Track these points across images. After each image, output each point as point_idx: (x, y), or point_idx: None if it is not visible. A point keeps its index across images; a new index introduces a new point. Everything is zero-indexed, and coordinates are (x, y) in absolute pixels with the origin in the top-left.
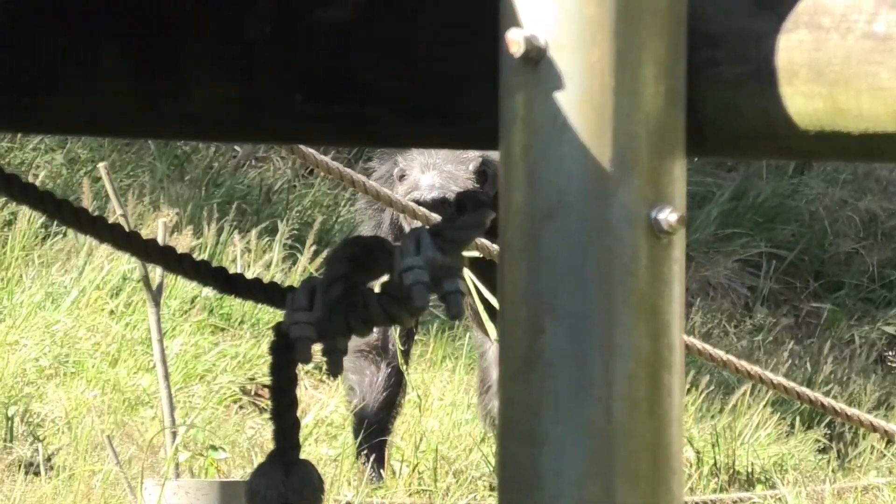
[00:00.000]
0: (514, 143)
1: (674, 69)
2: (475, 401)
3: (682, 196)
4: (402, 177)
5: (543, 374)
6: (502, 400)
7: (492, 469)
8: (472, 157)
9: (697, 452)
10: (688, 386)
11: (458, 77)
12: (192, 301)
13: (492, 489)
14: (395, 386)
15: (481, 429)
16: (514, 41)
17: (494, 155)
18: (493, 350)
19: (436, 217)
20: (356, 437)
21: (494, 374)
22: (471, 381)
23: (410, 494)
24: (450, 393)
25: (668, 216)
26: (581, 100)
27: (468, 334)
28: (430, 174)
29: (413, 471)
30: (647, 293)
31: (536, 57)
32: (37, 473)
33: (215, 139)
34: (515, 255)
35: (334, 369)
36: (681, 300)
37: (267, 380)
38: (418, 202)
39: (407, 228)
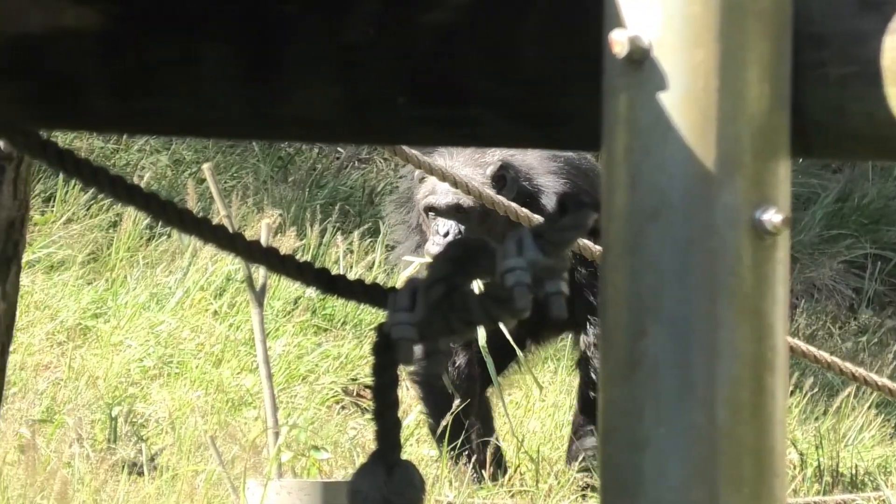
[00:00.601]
0: (617, 144)
1: (778, 70)
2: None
3: (786, 197)
4: (422, 179)
5: (645, 377)
6: (604, 403)
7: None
8: (491, 160)
9: (801, 455)
10: (791, 388)
11: (561, 78)
12: (295, 302)
13: (594, 491)
14: (470, 381)
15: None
16: (618, 42)
17: (514, 160)
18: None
19: (540, 219)
20: (436, 439)
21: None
22: (573, 383)
23: (512, 495)
24: (552, 394)
25: (773, 217)
26: (685, 100)
27: (570, 336)
28: (447, 180)
29: (514, 472)
30: (750, 295)
31: (640, 57)
32: (140, 473)
33: (318, 141)
34: (617, 257)
35: (435, 370)
36: (785, 302)
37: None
38: (432, 208)
39: (428, 232)
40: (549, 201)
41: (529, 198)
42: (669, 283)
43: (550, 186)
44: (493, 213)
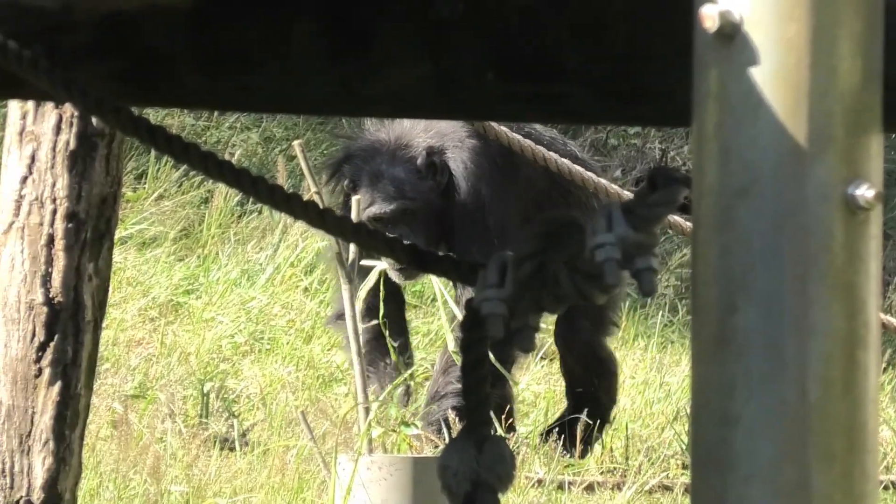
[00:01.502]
0: (708, 119)
1: (871, 46)
2: (667, 379)
3: (878, 172)
4: (353, 188)
5: (736, 353)
6: (694, 380)
7: (684, 447)
8: (417, 152)
9: (894, 431)
10: (884, 365)
11: (650, 54)
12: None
13: (684, 468)
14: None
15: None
16: (709, 16)
17: (436, 140)
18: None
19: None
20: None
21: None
22: (663, 360)
23: (602, 473)
24: (641, 371)
25: (865, 192)
26: (776, 76)
27: (660, 313)
28: (379, 184)
29: (605, 449)
30: (842, 271)
31: (731, 32)
32: (232, 449)
33: (408, 116)
34: (708, 233)
35: (526, 346)
36: (877, 278)
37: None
38: (379, 219)
39: None
40: (457, 167)
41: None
42: (760, 260)
43: (461, 159)
44: (435, 208)
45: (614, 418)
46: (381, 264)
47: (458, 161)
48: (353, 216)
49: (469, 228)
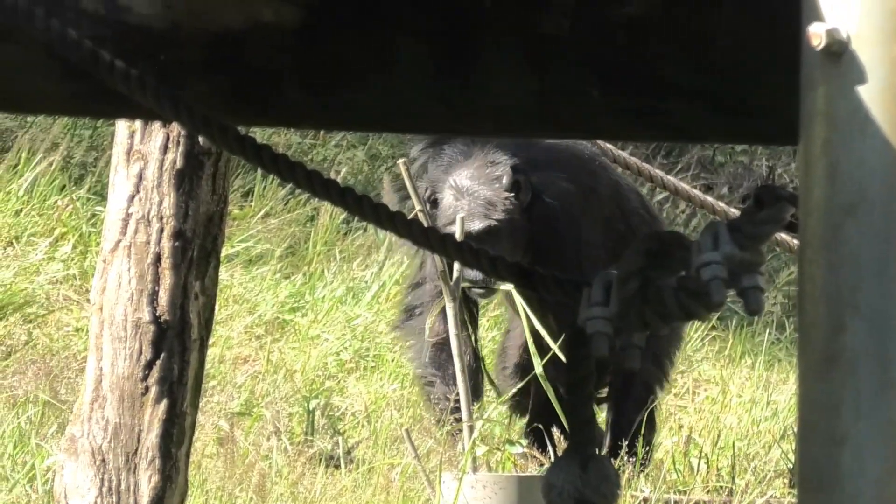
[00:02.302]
0: (815, 137)
1: None
2: (774, 397)
3: None
4: (433, 201)
5: (844, 372)
6: (801, 398)
7: (791, 466)
8: (501, 171)
9: None
10: None
11: (757, 70)
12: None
13: (791, 487)
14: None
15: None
16: (816, 34)
17: (521, 158)
18: (517, 330)
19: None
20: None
21: (511, 356)
22: (770, 378)
23: (708, 491)
24: (749, 389)
25: None
26: (884, 94)
27: (767, 330)
28: (464, 201)
29: (711, 468)
30: None
31: (838, 50)
32: (337, 466)
33: (512, 134)
34: (815, 251)
35: (632, 364)
36: None
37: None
38: (467, 236)
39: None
40: (551, 195)
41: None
42: (868, 278)
43: (553, 181)
44: (517, 227)
45: (719, 435)
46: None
47: (543, 181)
48: (458, 234)
49: (550, 249)
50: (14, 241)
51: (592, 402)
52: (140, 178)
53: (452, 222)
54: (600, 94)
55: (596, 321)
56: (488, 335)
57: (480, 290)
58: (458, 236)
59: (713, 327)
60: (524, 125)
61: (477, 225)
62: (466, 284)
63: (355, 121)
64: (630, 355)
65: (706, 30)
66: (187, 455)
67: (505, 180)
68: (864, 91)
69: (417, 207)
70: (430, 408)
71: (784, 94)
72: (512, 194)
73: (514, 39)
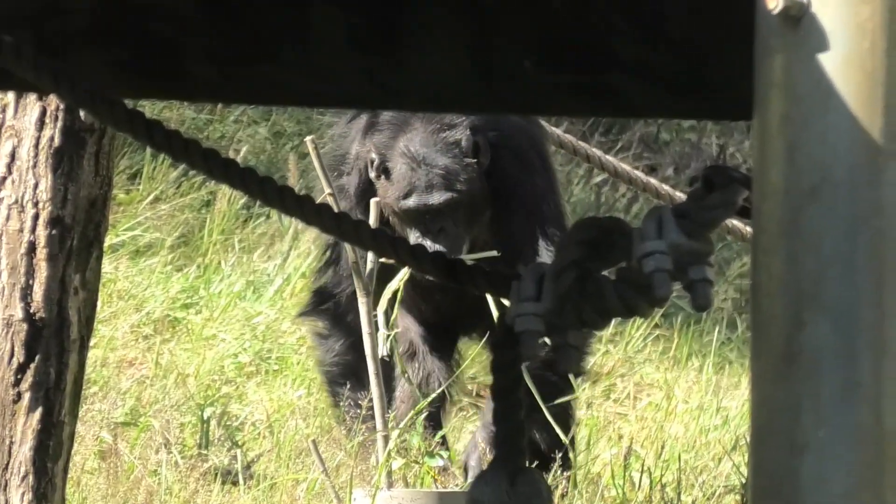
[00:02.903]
0: (772, 112)
1: None
2: (725, 403)
3: None
4: (384, 170)
5: (804, 373)
6: (756, 403)
7: (744, 481)
8: (460, 134)
9: None
10: None
11: (709, 41)
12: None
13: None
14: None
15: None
16: None
17: (479, 118)
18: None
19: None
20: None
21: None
22: (720, 382)
23: None
24: (696, 395)
25: None
26: (848, 63)
27: (717, 329)
28: (421, 171)
29: (655, 483)
30: None
31: (797, 14)
32: (235, 483)
33: (441, 109)
34: (772, 239)
35: (566, 366)
36: None
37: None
38: (421, 210)
39: (404, 233)
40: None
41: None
42: (831, 268)
43: (507, 137)
44: (478, 192)
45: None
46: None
47: (504, 140)
48: (372, 221)
49: (516, 214)
50: None
51: (521, 408)
52: (13, 157)
53: (407, 195)
54: (535, 67)
55: (526, 318)
56: None
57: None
58: (372, 222)
59: (657, 325)
60: (454, 100)
61: (437, 198)
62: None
63: (266, 95)
64: (565, 356)
65: None
66: (65, 470)
67: (464, 144)
68: (826, 60)
69: (327, 191)
70: (338, 414)
71: (738, 64)
72: (474, 160)
73: (441, 9)
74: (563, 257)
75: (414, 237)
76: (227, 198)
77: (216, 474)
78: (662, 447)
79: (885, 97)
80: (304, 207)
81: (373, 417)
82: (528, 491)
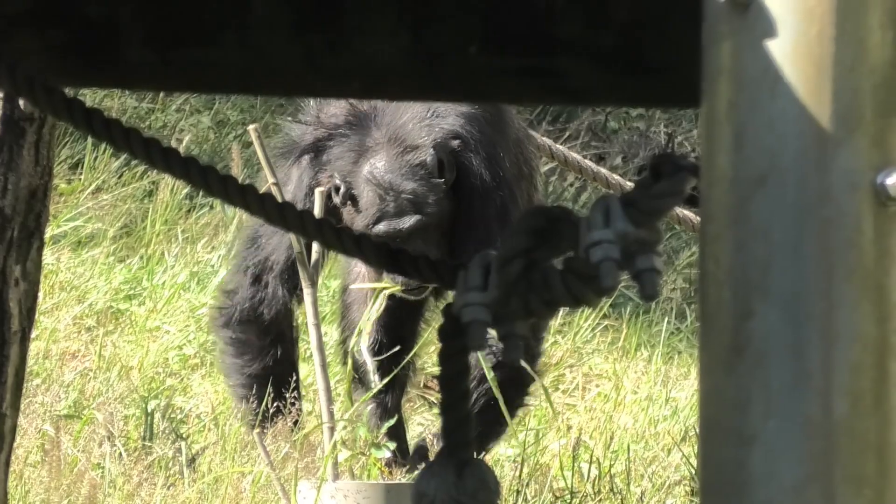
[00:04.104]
0: (719, 98)
1: None
2: (674, 394)
3: None
4: (351, 198)
5: (752, 363)
6: (704, 394)
7: (693, 472)
8: (425, 155)
9: None
10: None
11: (656, 24)
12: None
13: (693, 495)
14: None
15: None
16: None
17: (440, 134)
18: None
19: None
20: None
21: (353, 312)
22: (669, 372)
23: (600, 500)
24: (645, 385)
25: None
26: (797, 49)
27: (666, 319)
28: (390, 198)
29: (603, 473)
30: (872, 270)
31: (745, 0)
32: (179, 476)
33: (381, 97)
34: (720, 227)
35: (512, 356)
36: None
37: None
38: (396, 235)
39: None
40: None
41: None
42: (780, 257)
43: (473, 153)
44: (445, 210)
45: (612, 438)
46: (386, 286)
47: (470, 156)
48: (317, 211)
49: (476, 229)
50: None
51: (469, 399)
52: None
53: (377, 222)
54: (479, 52)
55: (472, 308)
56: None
57: (408, 293)
58: (316, 212)
59: (605, 315)
60: (397, 87)
61: (407, 222)
62: (397, 287)
63: (205, 81)
64: (511, 346)
65: None
66: (7, 464)
67: (429, 163)
68: (774, 46)
69: (271, 180)
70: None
71: (685, 50)
72: (441, 180)
73: None
74: (509, 247)
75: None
76: (170, 188)
77: (160, 467)
78: (611, 438)
79: (833, 84)
80: (247, 197)
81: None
82: (476, 483)
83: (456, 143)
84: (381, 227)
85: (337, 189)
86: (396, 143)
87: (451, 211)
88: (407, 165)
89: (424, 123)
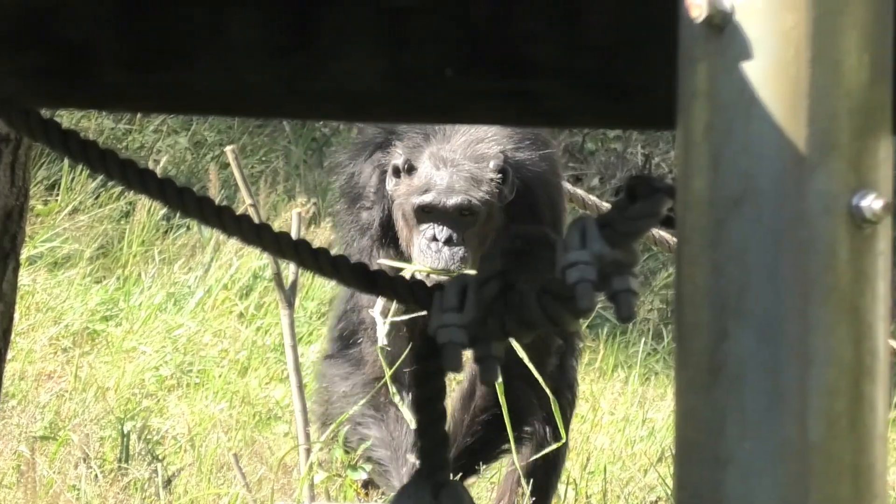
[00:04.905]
0: (695, 121)
1: (879, 37)
2: (651, 415)
3: (888, 181)
4: (408, 168)
5: (728, 385)
6: (680, 415)
7: (669, 493)
8: (492, 153)
9: None
10: (894, 399)
11: (632, 47)
12: (330, 302)
13: None
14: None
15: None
16: (696, 4)
17: (510, 146)
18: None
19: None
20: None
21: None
22: (646, 393)
23: None
24: (622, 406)
25: (873, 203)
26: (772, 72)
27: (643, 340)
28: (445, 171)
29: (580, 495)
30: (847, 292)
31: (721, 23)
32: (156, 497)
33: (357, 119)
34: (696, 249)
35: (489, 378)
36: (886, 299)
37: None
38: (432, 209)
39: (411, 235)
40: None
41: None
42: (756, 279)
43: (536, 178)
44: (492, 222)
45: (588, 458)
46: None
47: (533, 179)
48: (294, 233)
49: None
50: None
51: (445, 420)
52: None
53: (426, 191)
54: (458, 74)
55: (448, 329)
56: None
57: (442, 270)
58: (294, 234)
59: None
60: (374, 110)
61: (453, 199)
62: (424, 270)
63: (182, 103)
64: (488, 368)
65: (575, 3)
66: None
67: (493, 163)
68: (749, 68)
69: (248, 201)
70: (355, 449)
71: (662, 72)
72: (499, 176)
73: (360, 12)
74: (487, 268)
75: (421, 240)
76: (147, 209)
77: (136, 489)
78: (588, 459)
79: (810, 106)
80: (224, 218)
81: (414, 448)
82: None
83: (516, 179)
84: (427, 197)
85: (399, 163)
86: (468, 142)
87: (496, 227)
88: (473, 155)
89: (499, 141)
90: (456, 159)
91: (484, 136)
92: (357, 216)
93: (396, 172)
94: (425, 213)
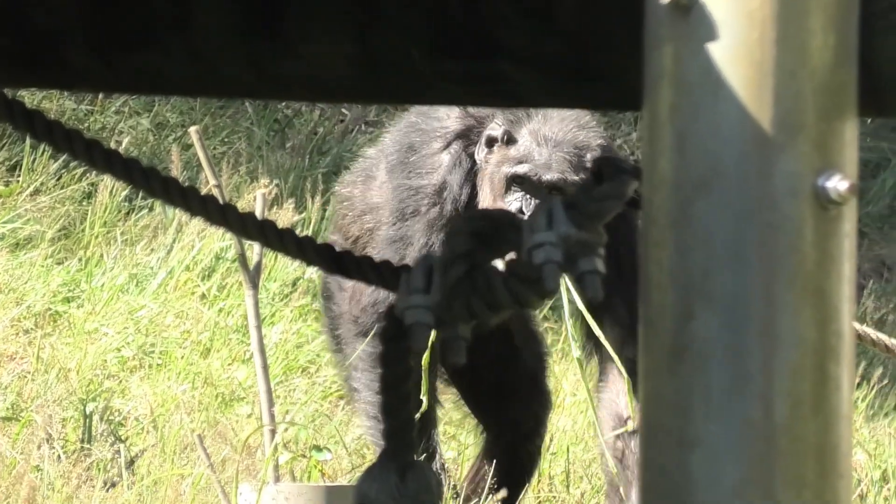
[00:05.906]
0: (661, 102)
1: (845, 18)
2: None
3: (853, 162)
4: (507, 139)
5: (694, 366)
6: (645, 397)
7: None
8: (593, 143)
9: (869, 455)
10: (858, 379)
11: (598, 29)
12: (294, 283)
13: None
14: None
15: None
16: None
17: (607, 144)
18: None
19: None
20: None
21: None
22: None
23: (540, 502)
24: (584, 388)
25: (838, 184)
26: (738, 53)
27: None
28: (546, 149)
29: (542, 476)
30: (812, 273)
31: (687, 4)
32: (118, 478)
33: (322, 100)
34: (662, 231)
35: (455, 359)
36: (851, 281)
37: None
38: (525, 180)
39: (498, 203)
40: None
41: None
42: (721, 261)
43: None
44: None
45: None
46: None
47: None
48: (258, 213)
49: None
50: None
51: (410, 401)
52: None
53: (522, 162)
54: (423, 55)
55: (415, 310)
56: (292, 327)
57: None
58: (258, 215)
59: (545, 318)
60: (340, 92)
61: (548, 175)
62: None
63: (149, 85)
64: (454, 349)
65: None
66: None
67: (589, 154)
68: (715, 49)
69: (212, 182)
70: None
71: (629, 54)
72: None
73: None
74: (452, 249)
75: (510, 206)
76: (109, 190)
77: (99, 470)
78: (550, 440)
79: (775, 88)
80: (189, 199)
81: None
82: (418, 485)
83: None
84: (522, 168)
85: (492, 139)
86: (571, 127)
87: None
88: (574, 141)
89: (601, 134)
90: (557, 139)
91: (586, 123)
92: (426, 191)
93: (490, 143)
94: (517, 184)
